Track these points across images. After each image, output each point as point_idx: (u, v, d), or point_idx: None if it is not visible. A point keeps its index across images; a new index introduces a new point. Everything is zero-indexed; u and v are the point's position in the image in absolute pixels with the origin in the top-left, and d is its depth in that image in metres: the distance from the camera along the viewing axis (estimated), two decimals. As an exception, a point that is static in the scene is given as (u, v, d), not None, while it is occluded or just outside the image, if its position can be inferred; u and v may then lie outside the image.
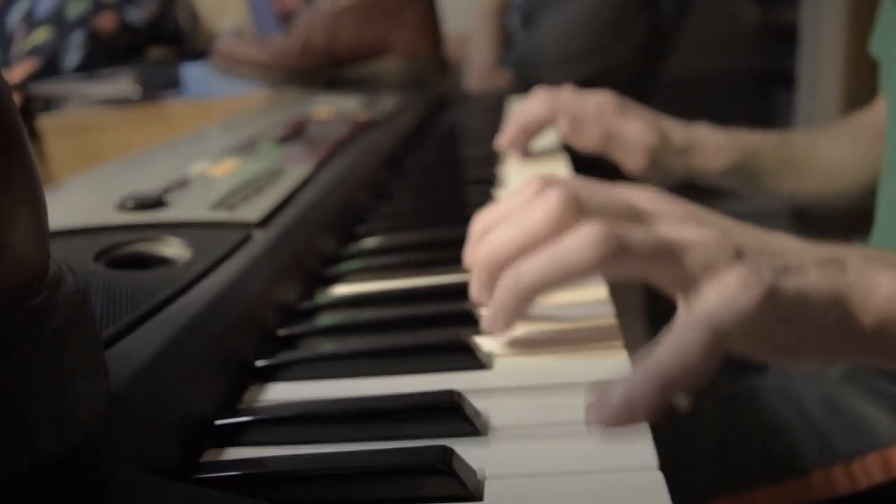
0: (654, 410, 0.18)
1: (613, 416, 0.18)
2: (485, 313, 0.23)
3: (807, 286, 0.21)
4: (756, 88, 1.59)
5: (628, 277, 0.22)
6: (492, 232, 0.23)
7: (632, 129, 0.44)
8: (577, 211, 0.22)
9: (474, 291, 0.24)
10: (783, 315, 0.20)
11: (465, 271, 0.29)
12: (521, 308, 0.22)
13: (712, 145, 0.45)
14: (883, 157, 0.38)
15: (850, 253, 0.23)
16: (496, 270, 0.22)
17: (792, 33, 1.34)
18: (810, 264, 0.22)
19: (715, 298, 0.20)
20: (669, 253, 0.21)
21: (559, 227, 0.22)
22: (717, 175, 0.46)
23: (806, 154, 0.47)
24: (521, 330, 0.24)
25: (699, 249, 0.21)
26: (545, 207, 0.22)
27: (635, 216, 0.23)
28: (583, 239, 0.21)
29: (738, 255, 0.22)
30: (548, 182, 0.23)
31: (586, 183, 0.25)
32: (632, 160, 0.45)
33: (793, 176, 0.47)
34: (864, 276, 0.22)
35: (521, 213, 0.23)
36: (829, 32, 1.17)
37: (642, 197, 0.24)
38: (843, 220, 0.53)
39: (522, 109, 0.46)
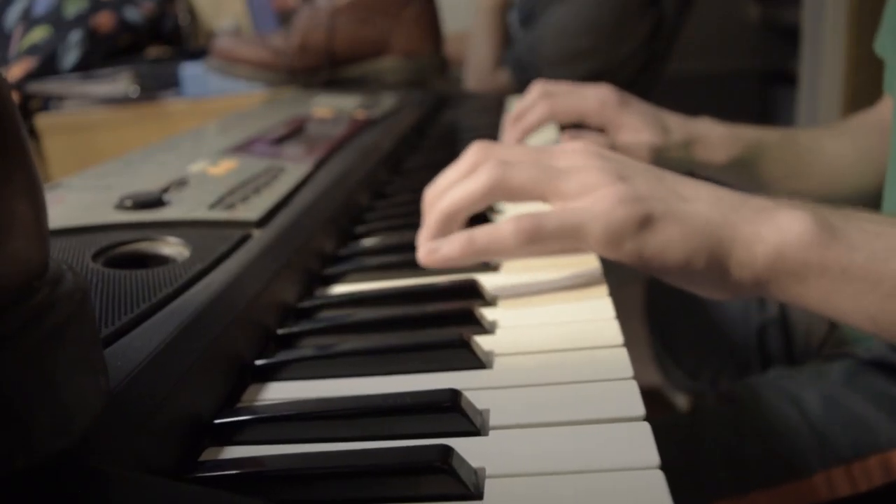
0: (458, 262, 0.25)
1: (426, 252, 0.26)
2: (420, 235, 0.28)
3: (685, 208, 0.23)
4: (757, 87, 1.59)
5: (518, 200, 0.26)
6: (439, 198, 0.28)
7: (634, 129, 0.44)
8: (485, 156, 0.28)
9: (424, 234, 0.28)
10: (638, 223, 0.23)
11: (464, 271, 0.29)
12: (443, 225, 0.27)
13: (715, 138, 0.45)
14: (890, 155, 0.38)
15: (760, 197, 0.24)
16: (442, 222, 0.28)
17: (793, 32, 1.34)
18: (704, 198, 0.24)
19: (585, 204, 0.24)
20: (548, 177, 0.25)
21: (473, 169, 0.27)
22: (719, 168, 0.46)
23: (808, 152, 0.47)
24: (522, 330, 0.24)
25: (579, 173, 0.25)
26: (467, 156, 0.28)
27: (541, 157, 0.27)
28: (476, 174, 0.26)
29: (622, 178, 0.25)
30: (482, 154, 0.28)
31: (515, 148, 0.29)
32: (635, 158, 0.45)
33: (795, 173, 0.47)
34: (760, 211, 0.23)
35: (455, 187, 0.28)
36: (831, 31, 1.17)
37: (564, 144, 0.28)
38: None
39: (521, 110, 0.46)
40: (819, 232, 0.23)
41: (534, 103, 0.45)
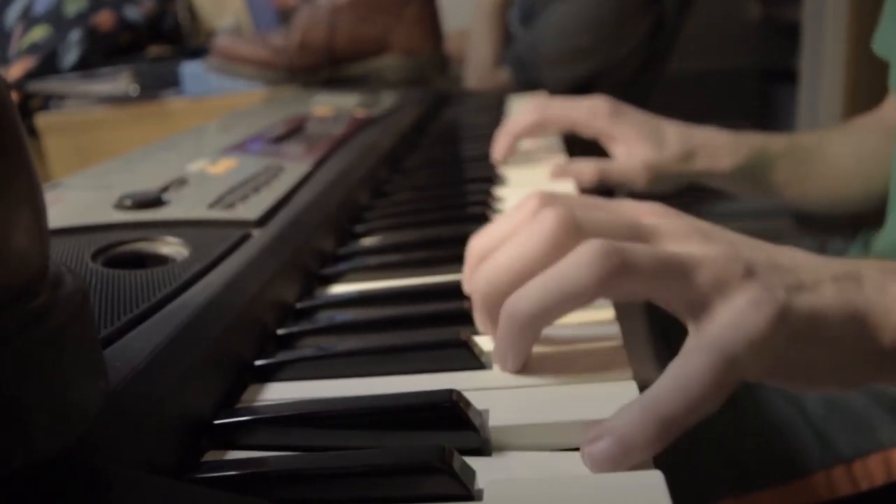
0: (654, 450, 0.17)
1: (606, 461, 0.16)
2: (497, 358, 0.21)
3: (822, 303, 0.20)
4: (758, 85, 1.59)
5: (633, 298, 0.20)
6: (488, 258, 0.22)
7: (626, 140, 0.41)
8: (575, 230, 0.21)
9: (479, 324, 0.23)
10: (798, 335, 0.19)
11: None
12: (526, 341, 0.20)
13: (719, 146, 0.43)
14: (894, 155, 0.37)
15: (865, 266, 0.21)
16: (495, 301, 0.21)
17: (794, 30, 1.33)
18: (825, 280, 0.20)
19: (726, 320, 0.19)
20: (676, 271, 0.20)
21: (557, 249, 0.21)
22: (725, 176, 0.44)
23: (813, 157, 0.46)
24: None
25: (708, 267, 0.20)
26: (541, 229, 0.21)
27: (638, 233, 0.22)
28: (582, 259, 0.19)
29: (749, 272, 0.20)
30: (545, 200, 0.23)
31: (585, 199, 0.24)
32: (633, 184, 0.42)
33: (800, 179, 0.45)
34: (883, 291, 0.20)
35: (517, 237, 0.22)
36: (832, 29, 1.17)
37: (645, 212, 0.23)
38: (848, 217, 0.52)
39: (512, 118, 0.45)
40: None
41: (525, 116, 0.44)
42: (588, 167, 0.41)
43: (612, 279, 0.19)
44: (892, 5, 0.39)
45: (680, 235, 0.22)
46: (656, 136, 0.42)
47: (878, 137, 0.46)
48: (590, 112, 0.42)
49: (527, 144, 0.49)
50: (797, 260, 0.22)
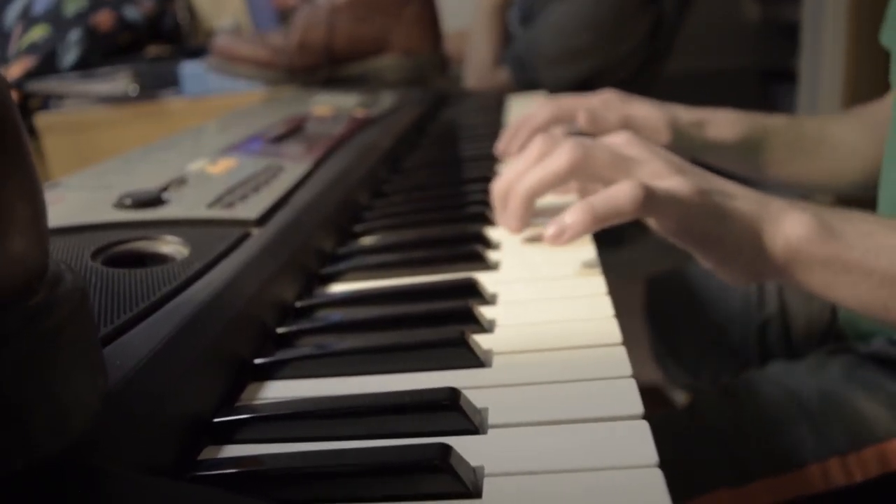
0: (585, 232, 0.28)
1: (555, 234, 0.28)
2: (501, 220, 0.32)
3: (733, 204, 0.28)
4: (758, 85, 1.59)
5: (595, 181, 0.30)
6: (504, 171, 0.32)
7: (643, 110, 0.46)
8: (556, 142, 0.30)
9: (497, 213, 0.33)
10: (709, 213, 0.28)
11: (464, 269, 0.29)
12: (526, 209, 0.31)
13: (722, 118, 0.47)
14: (886, 146, 0.38)
15: (775, 197, 0.29)
16: (508, 186, 0.31)
17: (793, 29, 1.33)
18: (741, 195, 0.29)
19: (656, 181, 0.28)
20: (624, 162, 0.29)
21: (545, 154, 0.30)
22: (729, 148, 0.47)
23: (813, 137, 0.48)
24: (521, 328, 0.24)
25: (649, 164, 0.29)
26: (534, 145, 0.31)
27: (607, 144, 0.31)
28: (560, 151, 0.30)
29: (681, 171, 0.29)
30: (541, 135, 0.32)
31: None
32: (655, 135, 0.46)
33: (799, 157, 0.48)
34: (780, 210, 0.29)
35: (521, 155, 0.32)
36: (831, 28, 1.17)
37: (612, 136, 0.32)
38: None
39: (527, 115, 0.47)
40: (821, 231, 0.28)
41: (541, 111, 0.46)
42: (615, 113, 0.46)
43: (579, 164, 0.29)
44: None
45: (635, 145, 0.31)
46: (668, 111, 0.47)
47: (879, 125, 0.47)
48: (602, 101, 0.47)
49: None
50: (723, 180, 0.30)
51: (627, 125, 0.46)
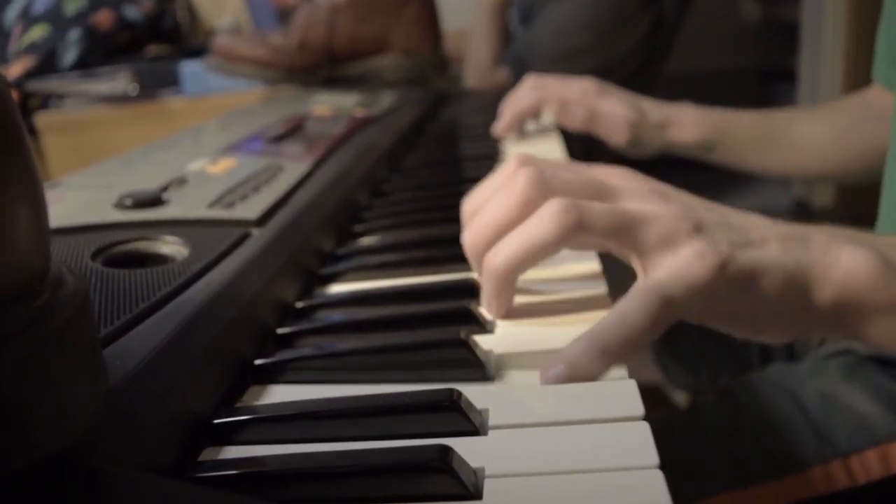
0: (598, 373, 0.20)
1: (557, 381, 0.20)
2: (484, 303, 0.25)
3: (765, 258, 0.22)
4: (757, 85, 1.59)
5: (592, 248, 0.24)
6: (474, 217, 0.25)
7: (612, 107, 0.49)
8: (542, 190, 0.24)
9: (475, 271, 0.26)
10: (737, 286, 0.22)
11: (464, 269, 0.29)
12: (504, 289, 0.24)
13: (686, 120, 0.50)
14: (889, 151, 0.38)
15: (815, 230, 0.24)
16: (480, 255, 0.25)
17: (793, 29, 1.33)
18: (771, 238, 0.23)
19: (668, 268, 0.22)
20: (628, 226, 0.23)
21: (528, 206, 0.23)
22: (690, 147, 0.51)
23: (782, 132, 0.50)
24: (521, 329, 0.24)
25: (658, 222, 0.23)
26: (513, 190, 0.24)
27: (601, 192, 0.24)
28: (545, 216, 0.22)
29: (698, 228, 0.23)
30: (520, 162, 0.25)
31: (557, 163, 0.27)
32: (614, 135, 0.50)
33: (766, 151, 0.50)
34: (826, 251, 0.23)
35: (495, 196, 0.25)
36: (831, 28, 1.17)
37: (611, 174, 0.26)
38: (847, 216, 0.54)
39: (514, 97, 0.52)
40: (883, 272, 0.23)
41: (525, 95, 0.51)
42: (581, 109, 0.50)
43: (570, 233, 0.22)
44: (884, 34, 0.41)
45: (639, 195, 0.24)
46: (638, 107, 0.50)
47: (854, 118, 0.48)
48: (580, 91, 0.49)
49: (524, 141, 0.52)
50: (750, 221, 0.24)
51: (592, 121, 0.49)
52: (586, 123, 0.50)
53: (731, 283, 0.22)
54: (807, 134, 0.50)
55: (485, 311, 0.24)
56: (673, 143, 0.51)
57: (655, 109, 0.50)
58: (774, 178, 0.56)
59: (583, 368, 0.20)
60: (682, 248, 0.22)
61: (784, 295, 0.22)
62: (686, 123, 0.49)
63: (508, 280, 0.24)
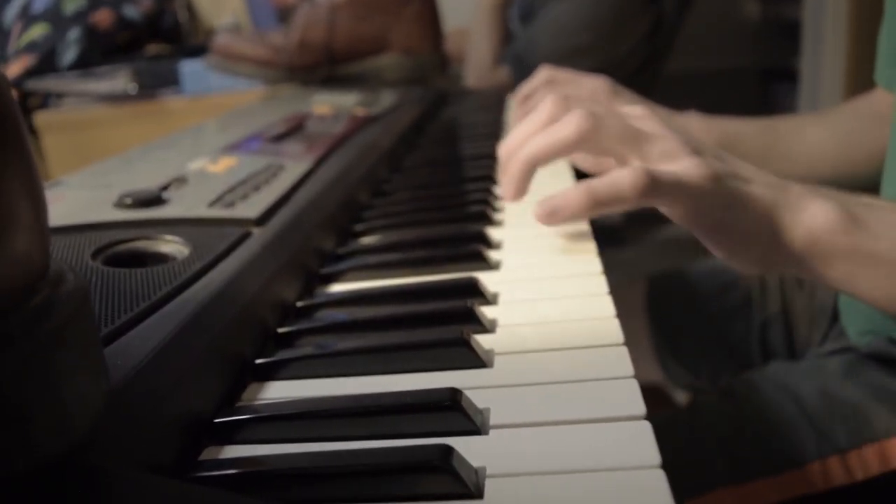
0: (580, 215, 0.26)
1: (546, 213, 0.27)
2: (501, 183, 0.30)
3: (748, 190, 0.26)
4: (758, 84, 1.59)
5: (604, 154, 0.28)
6: (513, 131, 0.31)
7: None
8: (567, 108, 0.29)
9: (501, 173, 0.31)
10: (721, 202, 0.26)
11: (465, 269, 0.29)
12: (524, 176, 0.29)
13: (695, 129, 0.48)
14: (888, 152, 0.38)
15: (794, 183, 0.27)
16: (510, 155, 0.30)
17: (794, 29, 1.33)
18: (757, 179, 0.27)
19: (666, 167, 0.26)
20: (637, 138, 0.27)
21: (555, 118, 0.29)
22: None
23: (788, 140, 0.49)
24: (522, 328, 0.24)
25: (664, 140, 0.27)
26: (542, 109, 0.30)
27: (617, 114, 0.29)
28: (569, 119, 0.28)
29: (697, 151, 0.27)
30: (553, 94, 0.30)
31: (582, 94, 0.32)
32: None
33: (773, 160, 0.49)
34: (799, 199, 0.27)
35: (528, 116, 0.30)
36: (832, 28, 1.17)
37: (630, 108, 0.30)
38: None
39: (527, 92, 0.50)
40: (845, 221, 0.26)
41: (538, 88, 0.50)
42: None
43: (587, 135, 0.27)
44: (885, 35, 0.41)
45: (650, 119, 0.29)
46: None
47: (859, 122, 0.48)
48: (591, 92, 0.49)
49: None
50: (741, 163, 0.28)
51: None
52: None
53: (717, 196, 0.26)
54: (813, 140, 0.49)
55: (502, 192, 0.30)
56: None
57: (664, 115, 0.48)
58: None
59: (572, 208, 0.26)
60: (682, 160, 0.26)
61: (758, 226, 0.26)
62: (694, 131, 0.48)
63: (529, 168, 0.29)
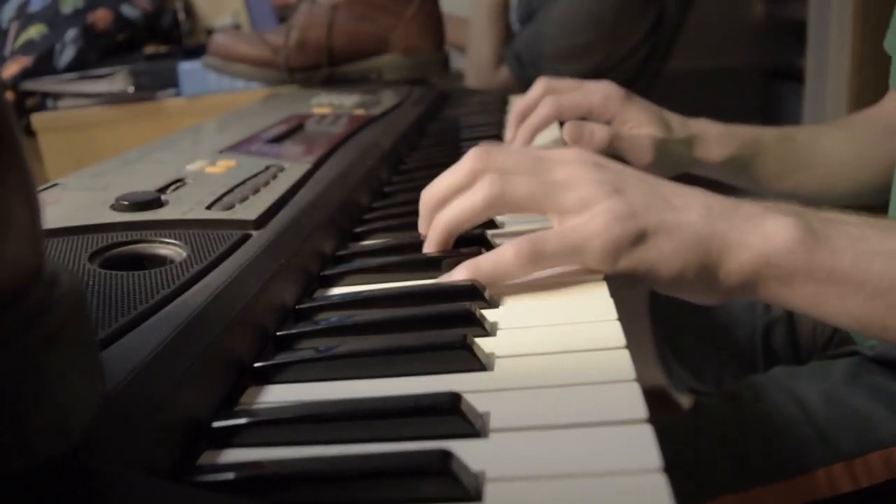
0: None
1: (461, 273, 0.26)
2: (425, 241, 0.30)
3: (676, 220, 0.25)
4: (763, 83, 1.58)
5: (519, 212, 0.28)
6: (436, 180, 0.30)
7: (637, 123, 0.44)
8: (484, 164, 0.28)
9: (420, 225, 0.31)
10: (637, 240, 0.24)
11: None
12: (446, 241, 0.29)
13: (711, 137, 0.45)
14: None
15: (748, 203, 0.26)
16: (429, 212, 0.30)
17: (799, 28, 1.33)
18: (695, 207, 0.25)
19: (577, 221, 0.25)
20: (548, 192, 0.26)
21: (472, 177, 0.28)
22: (715, 166, 0.46)
23: (806, 150, 0.47)
24: (523, 332, 0.24)
25: (578, 188, 0.26)
26: (462, 164, 0.29)
27: (538, 167, 0.28)
28: (477, 188, 0.28)
29: (617, 192, 0.26)
30: (477, 148, 0.29)
31: (507, 146, 0.30)
32: (640, 156, 0.45)
33: (791, 171, 0.47)
34: (749, 219, 0.25)
35: (449, 170, 0.30)
36: (837, 27, 1.17)
37: (559, 152, 0.29)
38: None
39: (525, 108, 0.47)
40: (804, 238, 0.24)
41: (537, 101, 0.46)
42: (602, 130, 0.44)
43: (495, 201, 0.27)
44: None
45: (574, 165, 0.27)
46: (663, 120, 0.46)
47: (875, 132, 0.47)
48: (602, 98, 0.45)
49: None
50: (680, 192, 0.26)
51: (613, 145, 0.44)
52: (609, 144, 0.44)
53: (633, 237, 0.24)
54: (831, 151, 0.47)
55: (425, 248, 0.30)
56: (701, 161, 0.46)
57: (679, 123, 0.45)
58: (798, 200, 0.50)
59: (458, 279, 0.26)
60: (595, 207, 0.25)
61: (690, 256, 0.24)
62: (711, 140, 0.45)
63: (450, 236, 0.29)
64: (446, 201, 0.29)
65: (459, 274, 0.26)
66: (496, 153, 0.29)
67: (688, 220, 0.25)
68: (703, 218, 0.25)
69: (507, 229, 0.34)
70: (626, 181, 0.26)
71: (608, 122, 0.46)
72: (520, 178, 0.27)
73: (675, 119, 0.46)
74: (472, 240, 0.32)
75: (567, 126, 0.44)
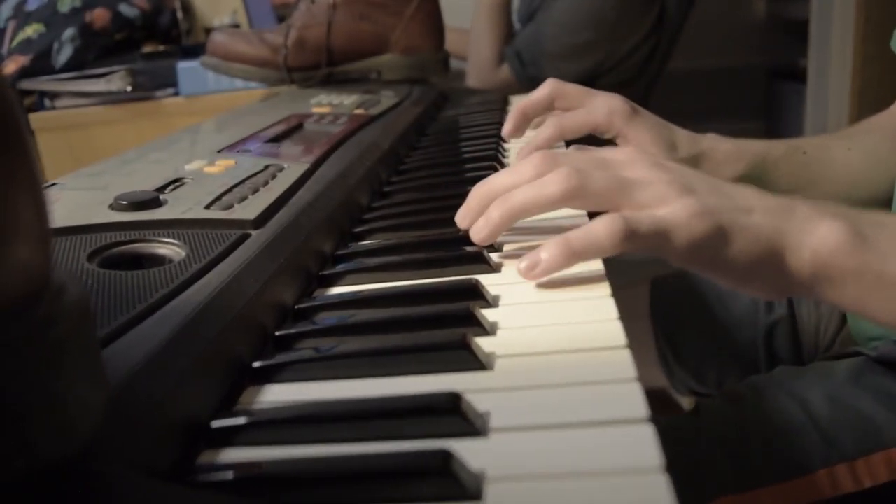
0: (559, 268, 0.26)
1: (527, 267, 0.26)
2: (474, 225, 0.29)
3: (746, 221, 0.26)
4: (765, 83, 1.58)
5: (596, 208, 0.28)
6: (491, 177, 0.30)
7: (640, 139, 0.43)
8: (552, 164, 0.28)
9: (461, 215, 0.30)
10: (717, 238, 0.25)
11: (466, 271, 0.29)
12: (501, 227, 0.29)
13: (720, 155, 0.44)
14: None
15: (801, 203, 0.27)
16: (489, 200, 0.29)
17: (801, 28, 1.33)
18: (757, 208, 0.27)
19: (657, 212, 0.26)
20: (625, 188, 0.27)
21: (540, 174, 0.28)
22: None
23: (816, 163, 0.46)
24: (523, 331, 0.24)
25: (652, 186, 0.27)
26: (528, 163, 0.29)
27: (604, 165, 0.28)
28: (554, 176, 0.27)
29: (689, 191, 0.27)
30: (542, 151, 0.30)
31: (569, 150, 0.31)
32: None
33: (802, 186, 0.46)
34: (806, 221, 0.26)
35: (511, 169, 0.30)
36: (839, 27, 1.16)
37: (616, 151, 0.29)
38: None
39: (528, 104, 0.45)
40: (854, 241, 0.26)
41: (543, 100, 0.44)
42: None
43: (573, 193, 0.27)
44: None
45: (640, 165, 0.28)
46: (669, 139, 0.44)
47: (885, 140, 0.46)
48: (607, 113, 0.43)
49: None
50: (740, 191, 0.28)
51: None
52: None
53: (709, 233, 0.25)
54: (842, 162, 0.46)
55: (472, 234, 0.29)
56: None
57: (686, 140, 0.44)
58: None
59: (549, 262, 0.26)
60: (672, 202, 0.26)
61: (760, 255, 0.26)
62: (719, 158, 0.43)
63: (508, 221, 0.28)
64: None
65: (548, 250, 0.26)
66: (562, 154, 0.29)
67: (756, 220, 0.26)
68: (769, 218, 0.26)
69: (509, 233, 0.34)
70: (692, 180, 0.27)
71: (613, 139, 0.44)
72: (597, 174, 0.27)
73: (682, 136, 0.44)
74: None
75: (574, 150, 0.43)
